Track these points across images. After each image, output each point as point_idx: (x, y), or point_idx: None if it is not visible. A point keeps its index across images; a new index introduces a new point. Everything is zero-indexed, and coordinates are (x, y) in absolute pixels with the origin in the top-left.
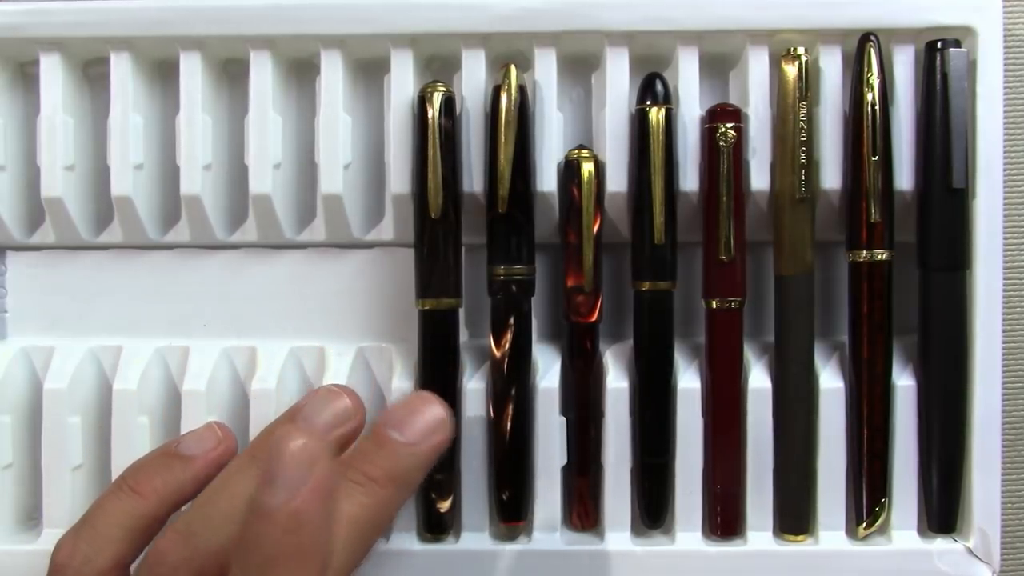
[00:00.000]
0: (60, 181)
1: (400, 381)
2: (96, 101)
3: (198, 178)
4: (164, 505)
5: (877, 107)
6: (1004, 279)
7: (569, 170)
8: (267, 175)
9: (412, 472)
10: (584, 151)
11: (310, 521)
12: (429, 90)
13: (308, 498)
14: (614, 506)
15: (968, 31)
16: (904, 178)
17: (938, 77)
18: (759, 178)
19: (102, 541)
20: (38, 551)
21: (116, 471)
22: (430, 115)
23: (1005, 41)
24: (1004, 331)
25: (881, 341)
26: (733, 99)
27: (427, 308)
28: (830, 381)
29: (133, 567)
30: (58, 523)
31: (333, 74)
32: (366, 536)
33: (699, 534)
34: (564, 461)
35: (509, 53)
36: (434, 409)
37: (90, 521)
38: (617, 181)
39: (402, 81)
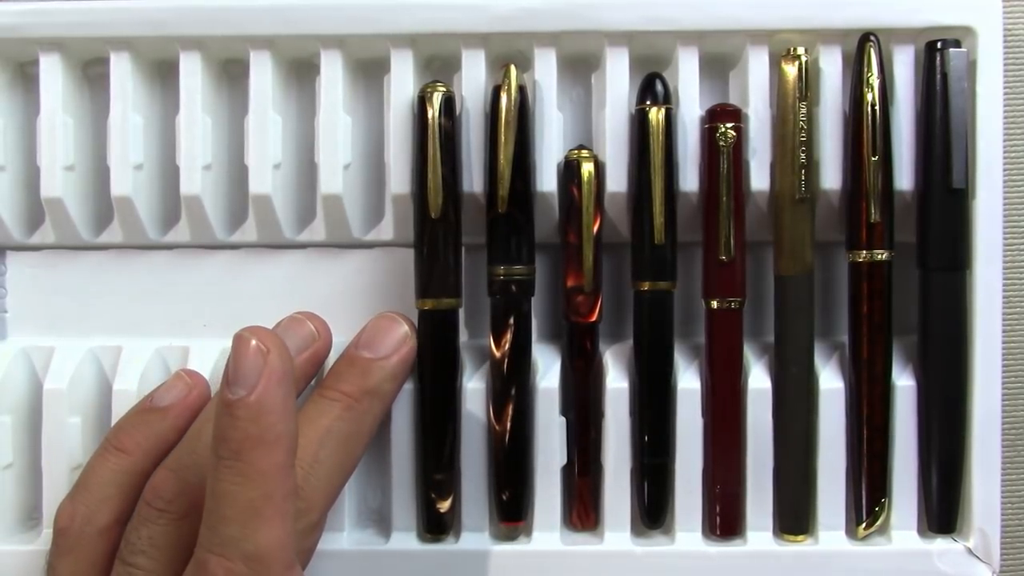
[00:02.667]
0: (60, 181)
1: None
2: (96, 101)
3: (198, 178)
4: (149, 458)
5: (877, 107)
6: (1004, 279)
7: (569, 170)
8: (267, 175)
9: (384, 383)
10: (584, 151)
11: (269, 409)
12: (429, 90)
13: (264, 387)
14: (614, 506)
15: (968, 31)
16: (904, 178)
17: (938, 77)
18: (759, 178)
19: (97, 501)
20: (38, 551)
21: None
22: (430, 115)
23: (1005, 41)
24: (1004, 331)
25: (881, 341)
26: (733, 99)
27: (427, 308)
28: (830, 381)
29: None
30: None
31: (333, 74)
32: (350, 447)
33: (699, 534)
34: (564, 461)
35: (509, 53)
36: (398, 326)
37: (83, 484)
38: (617, 181)
39: (402, 81)
